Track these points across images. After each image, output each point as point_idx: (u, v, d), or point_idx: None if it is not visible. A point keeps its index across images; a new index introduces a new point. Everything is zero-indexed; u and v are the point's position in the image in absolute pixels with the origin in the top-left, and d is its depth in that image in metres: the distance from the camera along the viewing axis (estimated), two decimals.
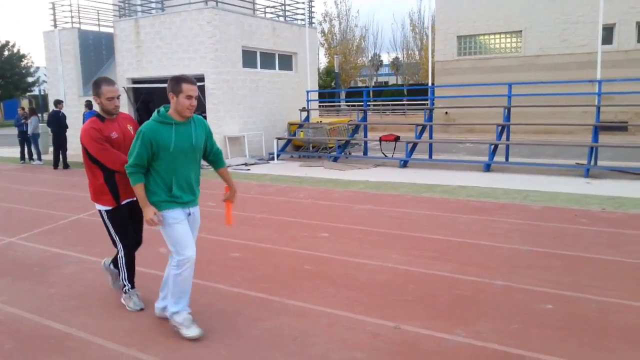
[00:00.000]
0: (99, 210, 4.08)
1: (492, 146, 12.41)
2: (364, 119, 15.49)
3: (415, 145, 13.74)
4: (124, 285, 4.20)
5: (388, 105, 31.86)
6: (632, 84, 16.26)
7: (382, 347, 3.46)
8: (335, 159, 14.34)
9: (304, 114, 16.15)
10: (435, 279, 4.77)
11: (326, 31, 43.11)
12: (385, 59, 54.19)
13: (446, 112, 22.36)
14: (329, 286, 4.61)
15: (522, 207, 7.81)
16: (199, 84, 3.34)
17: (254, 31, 16.09)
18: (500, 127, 12.76)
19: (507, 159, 12.85)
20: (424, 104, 27.92)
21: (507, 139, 13.10)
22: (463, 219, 7.16)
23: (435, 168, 12.68)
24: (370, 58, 48.65)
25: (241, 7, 16.28)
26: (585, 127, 18.95)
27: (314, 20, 19.47)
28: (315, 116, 17.90)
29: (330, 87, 40.55)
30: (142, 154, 3.45)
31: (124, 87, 16.00)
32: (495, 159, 12.45)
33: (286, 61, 18.05)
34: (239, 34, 15.34)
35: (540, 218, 7.08)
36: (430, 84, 16.00)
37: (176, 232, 3.56)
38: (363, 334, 3.66)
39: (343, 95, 36.78)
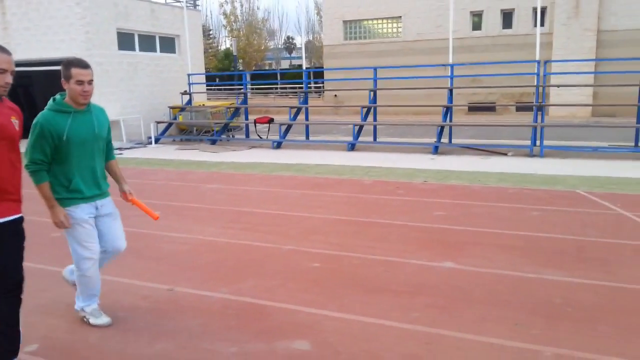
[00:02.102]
0: None
1: (357, 127, 13.19)
2: (244, 101, 15.80)
3: (289, 126, 14.27)
4: None
5: (275, 88, 32.18)
6: (499, 66, 17.64)
7: (144, 305, 3.87)
8: (214, 142, 14.58)
9: (187, 98, 16.17)
10: (234, 247, 5.25)
11: (228, 13, 42.62)
12: (300, 42, 54.57)
13: (335, 95, 23.14)
14: (133, 258, 4.94)
15: (357, 182, 8.53)
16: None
17: (130, 13, 15.82)
18: (365, 109, 13.57)
19: (375, 139, 13.71)
20: (319, 87, 28.60)
21: (375, 120, 13.96)
22: (296, 193, 7.73)
23: (307, 149, 13.29)
24: (283, 41, 48.89)
25: None
26: (460, 107, 20.44)
27: (198, 2, 19.36)
28: (201, 99, 17.95)
29: (229, 70, 40.30)
30: (44, 146, 3.13)
31: None
32: (365, 138, 13.27)
33: (169, 44, 17.89)
34: (113, 16, 15.04)
35: (366, 191, 7.81)
36: (306, 68, 16.52)
37: (77, 232, 3.29)
38: (135, 297, 4.05)
39: (249, 77, 36.82)
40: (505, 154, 11.32)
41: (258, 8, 49.33)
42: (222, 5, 42.13)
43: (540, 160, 10.52)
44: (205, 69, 40.58)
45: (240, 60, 42.21)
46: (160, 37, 17.31)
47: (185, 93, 16.20)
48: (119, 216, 3.59)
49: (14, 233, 2.74)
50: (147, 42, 16.82)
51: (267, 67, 53.86)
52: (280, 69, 44.76)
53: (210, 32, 47.96)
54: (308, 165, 10.40)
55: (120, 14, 15.31)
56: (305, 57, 53.78)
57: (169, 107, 16.23)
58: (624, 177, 8.46)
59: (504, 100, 20.12)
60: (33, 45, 14.89)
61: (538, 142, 11.30)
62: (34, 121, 3.18)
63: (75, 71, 3.15)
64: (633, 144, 11.56)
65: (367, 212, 6.53)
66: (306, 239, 5.45)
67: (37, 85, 17.46)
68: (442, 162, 10.54)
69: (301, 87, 33.90)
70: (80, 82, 3.16)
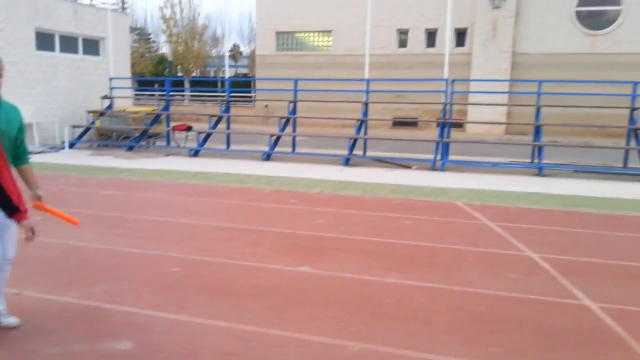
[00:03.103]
0: None
1: (274, 137, 13.42)
2: (166, 108, 15.71)
3: (209, 135, 14.32)
4: None
5: (212, 96, 31.97)
6: (423, 83, 18.31)
7: None
8: (131, 148, 14.40)
9: (106, 102, 15.91)
10: (101, 252, 5.30)
11: (167, 17, 42.04)
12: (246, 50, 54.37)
13: (266, 105, 23.33)
14: None
15: (256, 191, 8.72)
16: None
17: (51, 12, 15.42)
18: (283, 120, 13.83)
19: (293, 149, 13.97)
20: (246, 96, 28.67)
21: (294, 131, 14.22)
22: (189, 201, 7.84)
23: (225, 158, 13.36)
24: (231, 48, 48.58)
25: None
26: (383, 121, 21.10)
27: (125, 5, 19.12)
28: (126, 104, 17.67)
29: (164, 76, 39.76)
30: None
31: None
32: (284, 149, 13.52)
33: (93, 46, 17.55)
34: (31, 15, 14.63)
35: (260, 200, 8.01)
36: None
37: None
38: None
39: (187, 84, 36.43)
40: (410, 167, 11.84)
41: (199, 14, 48.89)
42: (162, 10, 41.45)
43: (439, 174, 11.09)
44: (142, 73, 39.96)
45: (179, 66, 41.70)
46: (83, 39, 16.95)
47: (105, 97, 15.93)
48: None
49: None
50: (69, 44, 16.44)
51: (212, 75, 53.41)
52: (221, 77, 44.43)
53: (150, 36, 47.14)
54: (215, 173, 10.50)
55: (40, 13, 14.91)
56: (247, 66, 53.46)
57: (87, 111, 15.88)
58: (507, 191, 9.07)
59: (425, 116, 20.92)
60: None
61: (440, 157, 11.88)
62: None
63: None
64: (529, 160, 12.35)
65: (250, 220, 6.73)
66: (179, 245, 5.57)
67: None
68: (348, 173, 10.91)
69: (238, 96, 33.96)
70: None
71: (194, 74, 44.26)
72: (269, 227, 6.33)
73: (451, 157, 12.45)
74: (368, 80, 13.72)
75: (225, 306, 4.01)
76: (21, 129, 3.33)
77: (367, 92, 13.72)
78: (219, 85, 33.10)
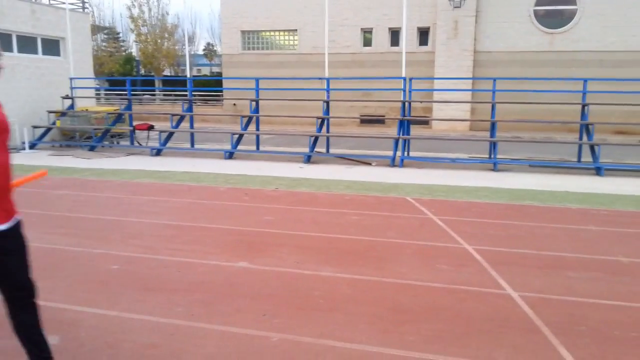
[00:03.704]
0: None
1: (236, 136, 13.47)
2: (128, 107, 15.60)
3: (171, 134, 14.28)
4: None
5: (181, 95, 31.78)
6: (388, 81, 18.53)
7: None
8: (92, 148, 14.28)
9: (68, 102, 15.72)
10: (42, 251, 5.30)
11: (135, 16, 41.53)
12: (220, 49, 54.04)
13: (234, 104, 23.30)
14: None
15: (211, 189, 8.78)
16: None
17: (7, 12, 15.16)
18: (245, 118, 13.88)
19: (257, 148, 14.02)
20: (215, 95, 28.56)
21: (257, 129, 14.27)
22: (142, 200, 7.85)
23: (188, 156, 13.35)
24: (205, 47, 48.31)
25: None
26: (351, 119, 21.28)
27: (86, 5, 18.88)
28: (88, 104, 17.47)
29: (131, 75, 39.31)
30: None
31: None
32: (248, 147, 13.57)
33: (53, 46, 17.29)
34: None
35: (214, 197, 8.08)
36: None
37: None
38: None
39: (159, 84, 36.12)
40: (370, 164, 12.02)
41: (167, 13, 48.44)
42: (130, 9, 40.94)
43: (396, 170, 11.29)
44: (110, 73, 39.42)
45: (149, 65, 41.23)
46: (42, 39, 16.69)
47: (66, 97, 15.74)
48: None
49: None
50: (28, 44, 16.18)
51: (185, 74, 52.90)
52: (194, 76, 44.12)
53: (119, 35, 46.49)
54: (174, 172, 10.51)
55: None
56: (220, 64, 53.30)
57: (47, 111, 15.67)
58: (458, 186, 9.30)
59: (392, 113, 21.17)
60: None
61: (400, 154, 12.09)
62: None
63: None
64: (487, 156, 12.64)
65: (199, 217, 6.79)
66: (123, 243, 5.61)
67: None
68: (308, 171, 11.02)
69: (208, 95, 33.80)
70: None
71: (166, 73, 43.83)
72: (216, 224, 6.41)
73: (413, 154, 12.68)
74: (328, 79, 13.85)
75: (156, 301, 4.09)
76: None
77: (328, 90, 13.85)
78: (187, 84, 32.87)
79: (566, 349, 3.39)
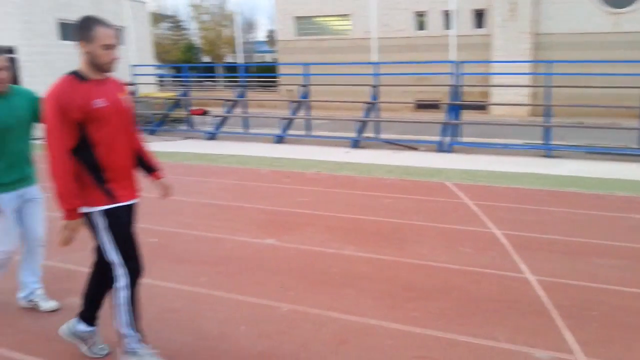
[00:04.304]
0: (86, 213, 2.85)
1: (286, 120, 13.77)
2: (184, 94, 16.26)
3: (225, 119, 14.79)
4: (125, 337, 2.90)
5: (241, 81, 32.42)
6: (442, 65, 18.23)
7: None
8: (152, 132, 15.04)
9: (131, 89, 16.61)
10: None
11: (196, 4, 42.77)
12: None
13: (290, 90, 23.62)
14: None
15: (253, 171, 9.12)
16: (9, 55, 2.43)
17: (72, 3, 16.18)
18: (296, 104, 14.15)
19: (307, 132, 14.27)
20: (272, 81, 29.00)
21: (308, 115, 14.51)
22: (185, 180, 8.29)
23: (240, 140, 13.79)
24: (267, 34, 49.38)
25: None
26: (405, 104, 21.12)
27: None
28: (150, 90, 18.39)
29: (193, 62, 40.51)
30: None
31: None
32: (298, 132, 13.87)
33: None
34: (53, 6, 15.41)
35: (254, 179, 8.40)
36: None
37: None
38: None
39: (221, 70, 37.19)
40: (417, 149, 11.97)
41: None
42: None
43: (444, 155, 11.19)
44: (175, 60, 40.88)
45: (210, 53, 42.42)
46: None
47: (127, 84, 16.60)
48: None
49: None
50: None
51: (245, 61, 54.01)
52: (247, 63, 44.95)
53: (180, 24, 48.02)
54: (222, 155, 10.94)
55: (61, 4, 15.69)
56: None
57: None
58: (504, 172, 9.12)
59: (447, 98, 20.73)
60: None
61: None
62: None
63: None
64: (542, 142, 12.23)
65: (237, 197, 7.12)
66: (164, 219, 6.01)
67: None
68: (352, 155, 11.15)
69: (265, 80, 34.40)
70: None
71: (229, 60, 44.94)
72: (252, 204, 6.71)
73: (464, 139, 12.48)
74: (375, 64, 13.82)
75: (184, 272, 4.42)
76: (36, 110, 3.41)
77: (376, 75, 13.83)
78: (245, 70, 33.60)
79: (570, 332, 3.40)
